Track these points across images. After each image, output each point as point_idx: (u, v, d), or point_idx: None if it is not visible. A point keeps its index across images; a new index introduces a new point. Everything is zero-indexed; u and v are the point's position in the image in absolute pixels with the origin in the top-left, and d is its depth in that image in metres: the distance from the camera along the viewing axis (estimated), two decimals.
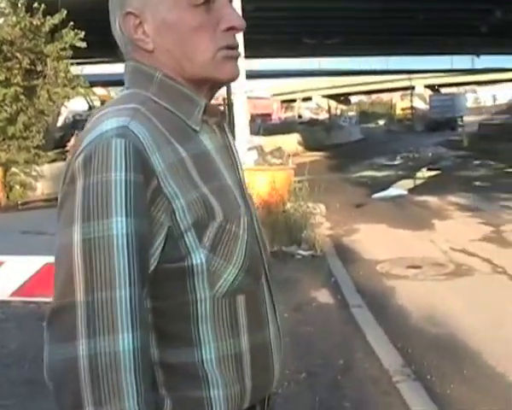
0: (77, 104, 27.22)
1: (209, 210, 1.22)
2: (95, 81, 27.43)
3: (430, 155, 29.98)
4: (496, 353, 5.54)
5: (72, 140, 26.33)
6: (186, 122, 1.30)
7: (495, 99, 77.79)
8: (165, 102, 1.29)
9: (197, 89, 1.33)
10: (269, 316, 1.35)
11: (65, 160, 1.17)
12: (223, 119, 1.42)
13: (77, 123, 29.03)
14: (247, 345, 1.27)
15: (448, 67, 58.23)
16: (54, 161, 19.13)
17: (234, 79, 1.35)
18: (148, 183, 1.16)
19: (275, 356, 1.35)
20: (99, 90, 33.64)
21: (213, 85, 1.37)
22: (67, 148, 24.39)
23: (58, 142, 24.47)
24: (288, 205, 11.06)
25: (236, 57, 1.34)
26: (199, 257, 1.20)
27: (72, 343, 1.09)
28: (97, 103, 32.63)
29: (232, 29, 1.31)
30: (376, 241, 10.67)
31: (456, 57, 54.29)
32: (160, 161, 1.18)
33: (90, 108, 31.26)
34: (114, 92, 42.31)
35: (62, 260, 1.14)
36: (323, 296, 7.51)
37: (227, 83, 1.38)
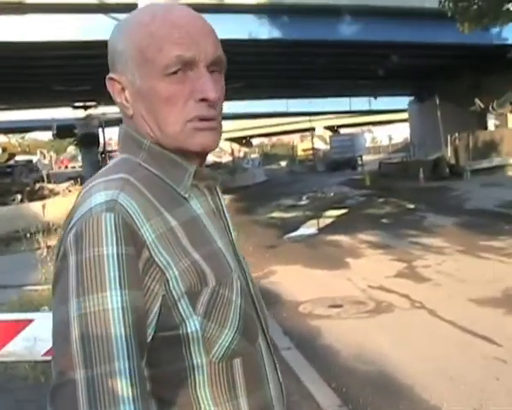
0: None
1: (201, 276, 1.23)
2: None
3: (332, 194, 30.64)
4: (427, 386, 5.68)
5: None
6: (176, 189, 1.30)
7: (391, 138, 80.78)
8: (154, 169, 1.30)
9: (184, 155, 1.32)
10: (269, 376, 1.35)
11: None
12: (214, 182, 1.42)
13: None
14: (246, 408, 1.27)
15: (347, 108, 59.88)
16: None
17: (206, 150, 1.34)
18: (140, 254, 1.17)
19: None
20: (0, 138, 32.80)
21: (192, 153, 1.34)
22: None
23: None
24: None
25: (210, 128, 1.32)
26: (193, 324, 1.21)
27: None
28: None
29: (204, 100, 1.30)
30: (295, 282, 10.77)
31: (354, 99, 55.95)
32: (149, 232, 1.19)
33: None
34: (15, 139, 41.39)
35: (59, 336, 1.13)
36: None
37: (202, 153, 1.35)
